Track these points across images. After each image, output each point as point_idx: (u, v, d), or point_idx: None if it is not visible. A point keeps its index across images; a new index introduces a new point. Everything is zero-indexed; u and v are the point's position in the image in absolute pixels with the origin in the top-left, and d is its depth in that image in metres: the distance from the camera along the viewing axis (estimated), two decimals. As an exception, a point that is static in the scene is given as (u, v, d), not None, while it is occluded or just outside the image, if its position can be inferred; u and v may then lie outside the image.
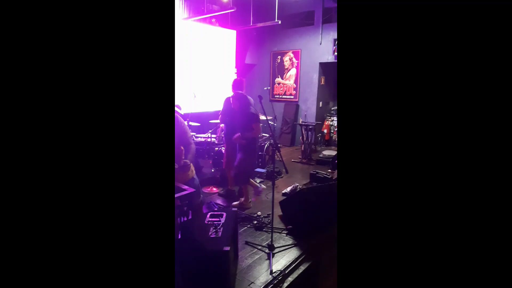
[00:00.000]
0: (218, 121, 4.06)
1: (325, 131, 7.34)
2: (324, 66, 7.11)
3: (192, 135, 4.42)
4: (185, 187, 2.28)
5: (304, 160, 5.96)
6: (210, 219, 2.39)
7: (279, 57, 7.72)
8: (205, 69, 6.32)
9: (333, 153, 5.81)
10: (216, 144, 4.67)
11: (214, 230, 2.23)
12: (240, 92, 3.61)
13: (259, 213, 3.50)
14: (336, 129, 7.34)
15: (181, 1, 5.85)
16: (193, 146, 2.75)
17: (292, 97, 7.61)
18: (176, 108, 2.97)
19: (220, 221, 2.36)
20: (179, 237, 2.25)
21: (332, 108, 7.56)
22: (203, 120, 5.20)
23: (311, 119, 7.07)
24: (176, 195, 2.16)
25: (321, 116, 7.38)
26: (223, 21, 6.83)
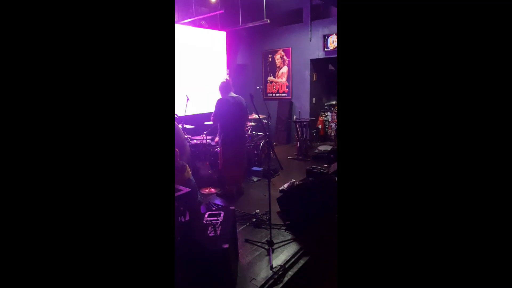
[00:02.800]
0: (211, 122, 4.09)
1: (320, 126, 7.40)
2: (315, 63, 7.16)
3: (187, 137, 4.44)
4: (181, 187, 2.31)
5: (300, 157, 6.00)
6: (208, 219, 2.42)
7: (270, 55, 7.76)
8: (197, 72, 6.34)
9: (329, 148, 5.86)
10: (212, 145, 4.70)
11: (212, 229, 2.27)
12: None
13: (257, 210, 3.54)
14: (330, 124, 7.39)
15: (169, 5, 5.86)
16: (188, 148, 2.78)
17: (285, 94, 7.65)
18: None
19: (218, 220, 2.39)
20: (179, 238, 2.28)
21: (326, 104, 7.61)
22: (197, 122, 5.22)
23: (305, 115, 7.11)
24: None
25: (315, 112, 7.43)
26: (213, 23, 6.85)
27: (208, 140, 4.66)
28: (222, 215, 2.47)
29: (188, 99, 4.74)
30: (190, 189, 2.37)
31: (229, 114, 3.86)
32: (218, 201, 4.01)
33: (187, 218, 2.48)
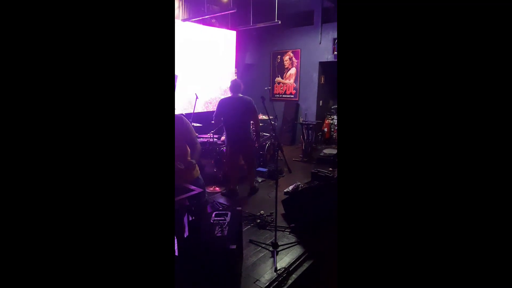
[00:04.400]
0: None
1: (326, 129, 7.39)
2: (323, 65, 7.15)
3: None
4: (193, 187, 2.33)
5: (305, 159, 6.01)
6: (216, 218, 2.43)
7: (279, 56, 7.76)
8: (206, 70, 6.36)
9: (334, 151, 5.86)
10: (219, 144, 4.71)
11: (220, 229, 2.28)
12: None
13: (262, 212, 3.55)
14: (336, 127, 7.38)
15: (180, 2, 5.89)
16: (199, 146, 2.79)
17: (292, 96, 7.65)
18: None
19: (225, 220, 2.41)
20: (186, 235, 2.30)
21: (332, 107, 7.60)
22: (204, 121, 5.24)
23: (312, 118, 7.11)
24: (184, 196, 2.20)
25: (321, 115, 7.42)
26: (223, 22, 6.86)
27: (214, 139, 4.67)
28: (229, 215, 2.49)
29: (197, 97, 4.76)
30: (202, 190, 2.39)
31: (228, 114, 3.91)
32: (222, 200, 4.03)
33: (197, 217, 2.50)
